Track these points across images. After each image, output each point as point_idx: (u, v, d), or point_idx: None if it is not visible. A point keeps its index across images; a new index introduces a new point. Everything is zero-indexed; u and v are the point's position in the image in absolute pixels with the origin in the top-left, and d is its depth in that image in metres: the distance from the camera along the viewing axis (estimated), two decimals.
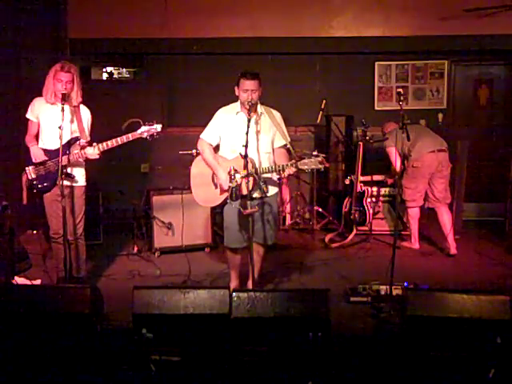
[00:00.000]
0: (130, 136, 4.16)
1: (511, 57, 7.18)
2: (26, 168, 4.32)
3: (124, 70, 8.11)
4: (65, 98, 4.05)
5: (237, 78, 4.15)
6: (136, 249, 5.62)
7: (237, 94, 4.18)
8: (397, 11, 6.81)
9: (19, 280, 4.44)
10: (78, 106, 4.33)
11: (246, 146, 3.78)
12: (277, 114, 4.30)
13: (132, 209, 5.89)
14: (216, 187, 4.23)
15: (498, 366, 2.95)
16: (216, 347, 3.09)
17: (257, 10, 6.80)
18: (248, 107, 3.94)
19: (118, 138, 4.16)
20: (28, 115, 4.35)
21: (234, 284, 4.51)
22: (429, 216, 5.96)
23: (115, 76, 8.07)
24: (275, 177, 4.28)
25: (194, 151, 6.11)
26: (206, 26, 6.79)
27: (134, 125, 4.26)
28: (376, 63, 7.31)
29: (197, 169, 4.33)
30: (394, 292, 4.09)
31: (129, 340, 3.14)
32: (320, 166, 3.84)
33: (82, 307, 3.14)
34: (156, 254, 5.53)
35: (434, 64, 7.34)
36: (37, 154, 4.28)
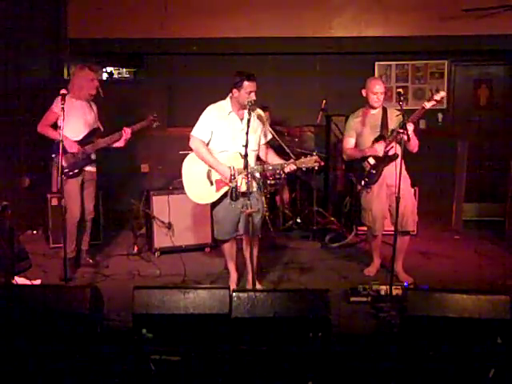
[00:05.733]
0: (139, 125, 4.93)
1: (511, 57, 7.18)
2: (56, 157, 4.60)
3: (124, 70, 8.12)
4: (64, 98, 4.14)
5: (238, 80, 4.16)
6: (136, 249, 5.62)
7: (235, 95, 4.21)
8: (397, 11, 6.81)
9: (19, 280, 4.44)
10: (90, 101, 4.92)
11: (246, 146, 3.85)
12: (262, 113, 4.35)
13: (132, 209, 5.89)
14: (212, 184, 4.26)
15: (497, 365, 2.95)
16: (216, 347, 3.09)
17: (257, 10, 6.80)
18: (249, 107, 4.01)
19: (133, 126, 4.90)
20: (54, 109, 4.69)
21: (233, 276, 4.61)
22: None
23: (115, 76, 8.08)
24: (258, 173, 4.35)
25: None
26: (205, 26, 6.79)
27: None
28: (376, 63, 7.32)
29: (190, 166, 4.33)
30: (394, 292, 4.08)
31: (129, 340, 3.14)
32: (315, 165, 4.06)
33: (81, 307, 3.14)
34: (156, 254, 5.53)
35: (434, 64, 7.35)
36: (71, 146, 4.70)
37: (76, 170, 4.75)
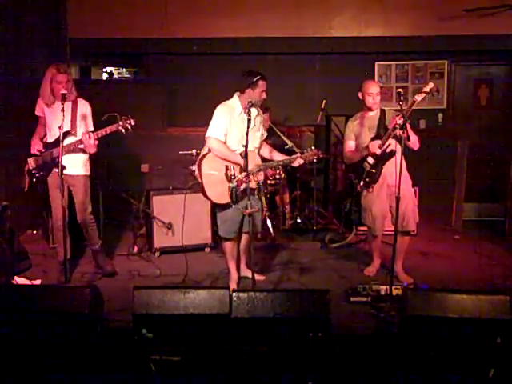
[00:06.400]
0: (108, 130, 4.44)
1: (511, 57, 7.18)
2: (28, 159, 4.62)
3: (124, 70, 8.14)
4: (64, 98, 4.15)
5: (253, 79, 4.27)
6: (136, 249, 5.62)
7: (249, 94, 4.29)
8: (397, 11, 6.82)
9: (19, 280, 4.44)
10: (75, 101, 4.59)
11: (246, 146, 3.91)
12: (260, 111, 4.53)
13: (132, 209, 5.88)
14: (230, 182, 4.31)
15: (497, 365, 2.95)
16: (216, 347, 3.09)
17: (257, 10, 6.81)
18: (249, 107, 4.05)
19: (98, 132, 4.45)
20: (36, 112, 4.67)
21: (234, 276, 4.63)
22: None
23: (115, 76, 8.10)
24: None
25: (194, 151, 6.13)
26: (206, 26, 6.80)
27: (111, 118, 4.53)
28: (376, 63, 7.32)
29: (209, 167, 4.30)
30: (394, 292, 4.08)
31: (129, 340, 3.14)
32: (315, 157, 4.49)
33: (81, 307, 3.14)
34: (156, 254, 5.53)
35: (434, 64, 7.35)
36: (33, 147, 4.59)
37: (42, 173, 4.57)
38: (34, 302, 3.21)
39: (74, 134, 4.53)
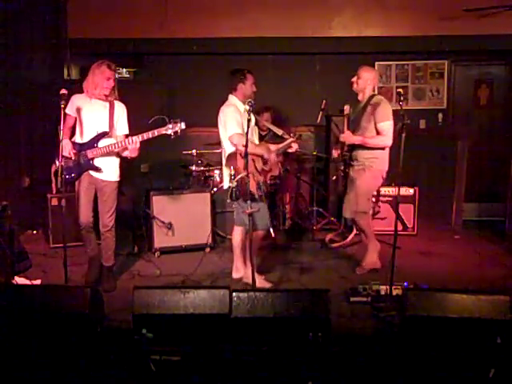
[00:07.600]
0: (156, 132, 4.30)
1: (511, 57, 7.18)
2: (56, 160, 4.38)
3: (124, 70, 8.12)
4: (64, 98, 4.11)
5: (242, 75, 4.47)
6: (136, 249, 5.62)
7: (242, 89, 4.47)
8: (397, 11, 6.81)
9: (19, 280, 4.44)
10: (112, 103, 4.47)
11: (246, 146, 3.90)
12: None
13: (132, 209, 5.88)
14: (260, 174, 4.43)
15: (498, 365, 2.95)
16: (216, 347, 3.09)
17: (257, 10, 6.80)
18: (249, 106, 4.06)
19: (144, 134, 4.31)
20: (67, 110, 4.38)
21: (241, 273, 4.65)
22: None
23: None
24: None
25: (194, 151, 6.13)
26: (206, 26, 6.79)
27: (159, 121, 4.42)
28: (376, 63, 7.31)
29: (243, 164, 4.25)
30: (394, 292, 4.09)
31: (129, 340, 3.14)
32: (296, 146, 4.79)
33: (81, 307, 3.14)
34: (156, 254, 5.53)
35: (433, 64, 7.35)
36: (66, 148, 4.34)
37: (73, 174, 4.42)
38: (34, 302, 3.21)
39: (111, 136, 4.43)
